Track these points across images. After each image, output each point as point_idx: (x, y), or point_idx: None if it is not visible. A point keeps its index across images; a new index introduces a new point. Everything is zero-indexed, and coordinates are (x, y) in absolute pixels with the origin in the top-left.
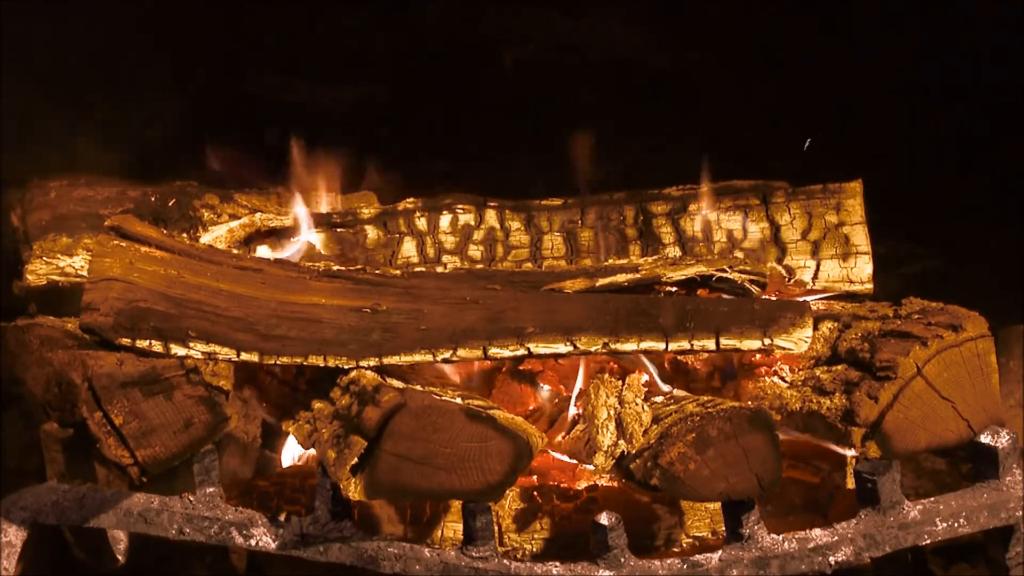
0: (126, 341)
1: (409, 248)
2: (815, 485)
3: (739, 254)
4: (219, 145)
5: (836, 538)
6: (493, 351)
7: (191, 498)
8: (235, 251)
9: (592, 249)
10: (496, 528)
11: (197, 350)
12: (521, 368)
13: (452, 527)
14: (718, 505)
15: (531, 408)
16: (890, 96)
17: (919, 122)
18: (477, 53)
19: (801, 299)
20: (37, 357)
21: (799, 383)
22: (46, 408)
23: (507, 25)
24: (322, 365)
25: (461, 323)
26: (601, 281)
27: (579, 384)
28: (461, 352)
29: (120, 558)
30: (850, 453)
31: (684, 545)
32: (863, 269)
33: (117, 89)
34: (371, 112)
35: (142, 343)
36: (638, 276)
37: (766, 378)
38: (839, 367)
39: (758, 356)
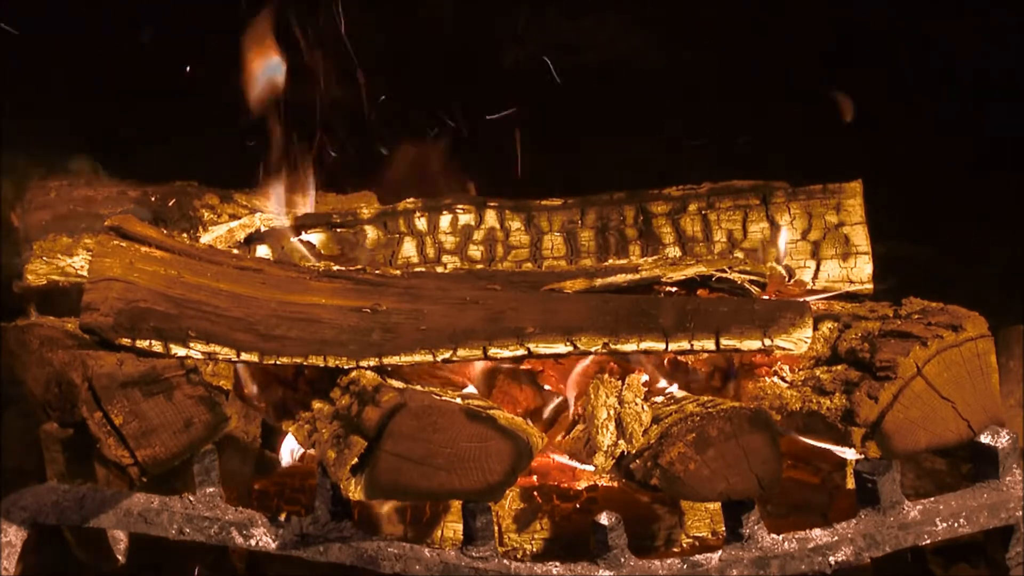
0: (126, 341)
1: (409, 248)
2: (815, 485)
3: (739, 254)
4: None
5: (836, 538)
6: (493, 351)
7: (191, 498)
8: (235, 251)
9: (592, 249)
10: (496, 528)
11: (197, 350)
12: (521, 368)
13: (452, 527)
14: (718, 505)
15: (531, 408)
16: (890, 96)
17: (919, 122)
18: (477, 53)
19: (801, 299)
20: (37, 357)
21: (799, 383)
22: (46, 408)
23: (507, 25)
24: (322, 365)
25: (461, 323)
26: (601, 281)
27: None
28: (461, 352)
29: (120, 558)
30: (850, 455)
31: (684, 545)
32: (863, 269)
33: (116, 89)
34: (371, 112)
35: (142, 343)
36: (638, 276)
37: (766, 378)
38: (839, 367)
39: (758, 356)
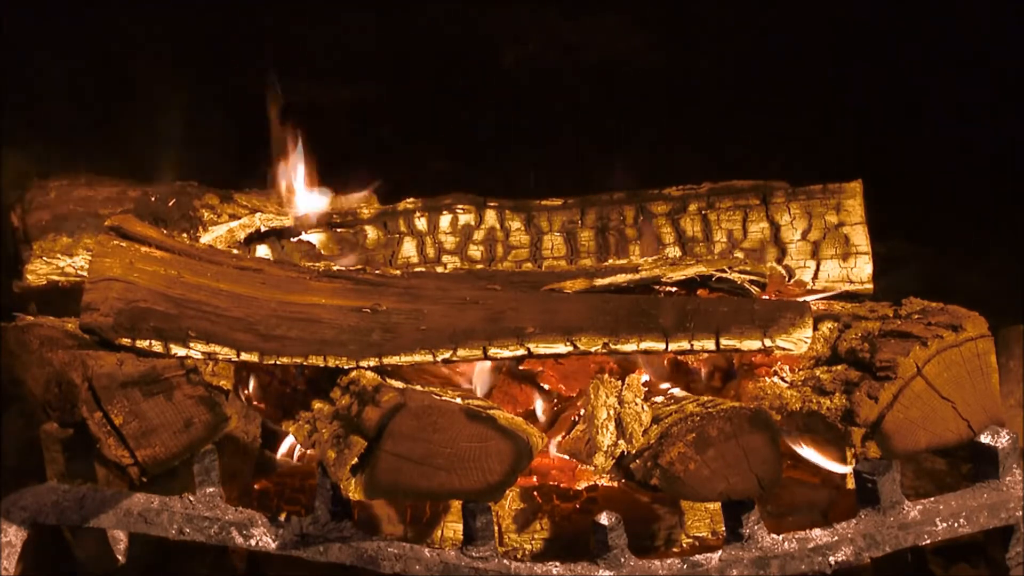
0: (126, 341)
1: (409, 248)
2: (815, 485)
3: (739, 254)
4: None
5: (836, 538)
6: (493, 351)
7: (191, 498)
8: (235, 251)
9: (592, 249)
10: (496, 528)
11: (197, 350)
12: (521, 368)
13: (452, 527)
14: (718, 505)
15: (531, 408)
16: (890, 96)
17: (920, 122)
18: (477, 53)
19: (801, 299)
20: (37, 357)
21: (799, 383)
22: (46, 408)
23: (507, 25)
24: (322, 365)
25: (461, 323)
26: (601, 281)
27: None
28: (461, 352)
29: (120, 558)
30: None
31: (684, 545)
32: (863, 269)
33: (117, 88)
34: (371, 112)
35: (142, 343)
36: (638, 276)
37: (766, 378)
38: (839, 367)
39: (758, 356)
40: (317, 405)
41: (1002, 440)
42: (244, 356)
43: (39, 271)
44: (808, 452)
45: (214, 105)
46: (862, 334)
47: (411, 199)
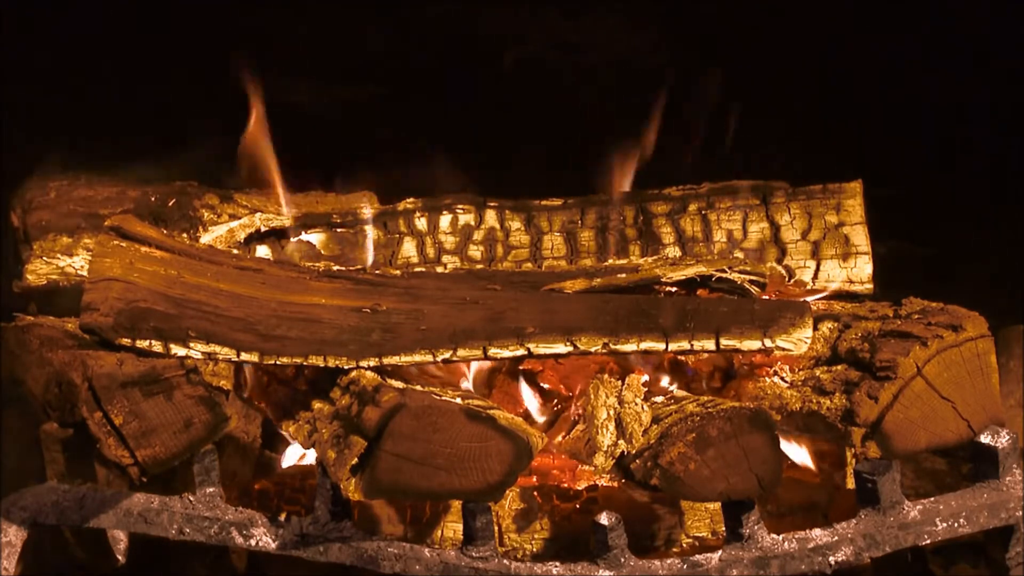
0: (126, 341)
1: (409, 248)
2: (815, 485)
3: (739, 254)
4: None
5: (836, 538)
6: (493, 351)
7: (191, 498)
8: (235, 251)
9: (592, 249)
10: (496, 528)
11: (197, 350)
12: (521, 368)
13: (452, 527)
14: (718, 505)
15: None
16: (890, 96)
17: (919, 122)
18: (477, 53)
19: (801, 299)
20: (37, 357)
21: (799, 383)
22: (46, 408)
23: (507, 25)
24: (322, 365)
25: (461, 323)
26: (601, 281)
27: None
28: (461, 352)
29: (120, 558)
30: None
31: (684, 545)
32: (863, 269)
33: (117, 89)
34: (371, 112)
35: (142, 343)
36: (638, 276)
37: (766, 378)
38: (839, 367)
39: (758, 356)
40: (317, 405)
41: (1002, 440)
42: (244, 356)
43: (39, 271)
44: (796, 453)
45: (213, 105)
46: (862, 334)
47: (411, 199)
